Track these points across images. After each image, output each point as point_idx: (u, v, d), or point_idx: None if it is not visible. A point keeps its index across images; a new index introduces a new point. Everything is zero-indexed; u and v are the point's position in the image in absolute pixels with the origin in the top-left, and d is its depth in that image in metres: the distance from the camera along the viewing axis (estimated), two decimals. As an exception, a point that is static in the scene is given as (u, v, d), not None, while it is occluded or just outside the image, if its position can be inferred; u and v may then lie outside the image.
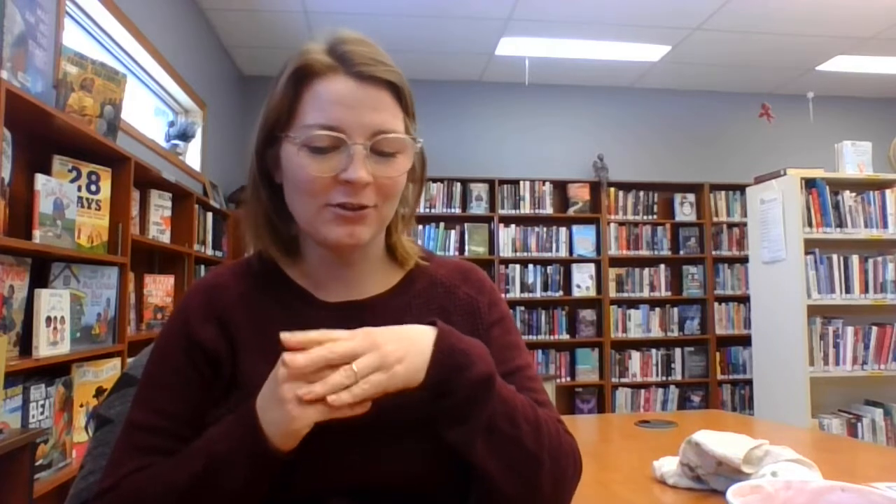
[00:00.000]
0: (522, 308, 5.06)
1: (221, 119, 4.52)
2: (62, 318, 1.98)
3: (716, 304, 5.27)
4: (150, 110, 3.70)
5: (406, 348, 0.70)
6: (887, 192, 3.51)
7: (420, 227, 4.93)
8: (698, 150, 5.54)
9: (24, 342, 1.89)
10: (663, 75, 5.23)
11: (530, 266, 5.08)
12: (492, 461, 0.72)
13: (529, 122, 5.37)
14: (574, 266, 5.15)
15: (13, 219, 1.87)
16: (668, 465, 1.19)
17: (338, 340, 0.68)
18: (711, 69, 5.12)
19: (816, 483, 0.69)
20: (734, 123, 5.57)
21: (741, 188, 4.80)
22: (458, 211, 5.08)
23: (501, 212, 5.08)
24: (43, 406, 1.89)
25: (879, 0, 3.95)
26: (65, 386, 2.02)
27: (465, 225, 5.08)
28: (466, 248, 5.03)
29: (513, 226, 5.10)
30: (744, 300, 5.09)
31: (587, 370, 5.11)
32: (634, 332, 5.18)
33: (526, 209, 5.12)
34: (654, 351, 5.20)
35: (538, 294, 5.05)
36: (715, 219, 5.34)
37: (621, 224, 5.24)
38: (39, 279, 2.01)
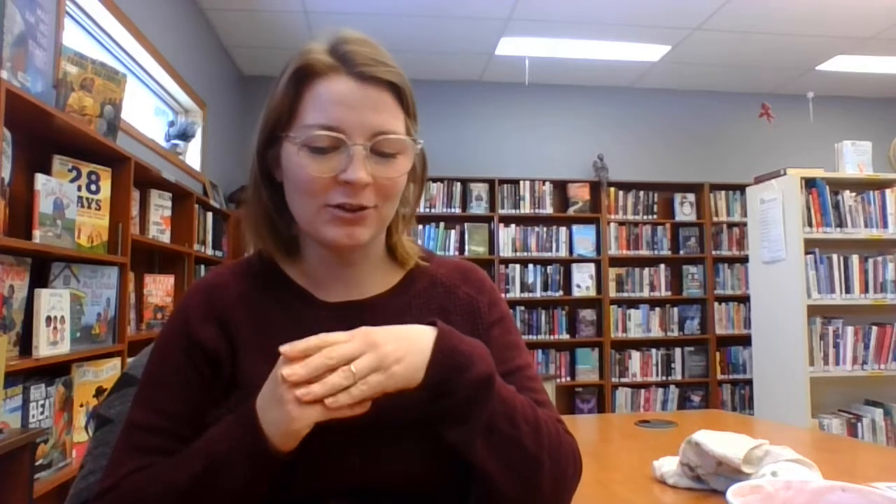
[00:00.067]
0: (522, 308, 5.05)
1: (221, 119, 4.52)
2: (62, 317, 1.98)
3: (716, 304, 5.27)
4: (150, 110, 3.70)
5: (405, 348, 0.70)
6: (887, 191, 3.51)
7: (420, 227, 4.93)
8: (698, 150, 5.54)
9: (24, 342, 1.89)
10: (663, 75, 5.23)
11: (530, 266, 5.08)
12: (492, 461, 0.72)
13: (529, 122, 5.37)
14: (574, 266, 5.15)
15: (13, 219, 1.87)
16: (668, 465, 1.19)
17: (336, 344, 0.67)
18: (711, 69, 5.12)
19: (816, 483, 0.69)
20: (734, 123, 5.56)
21: (741, 188, 4.80)
22: (458, 211, 5.07)
23: (501, 212, 5.07)
24: (43, 406, 1.89)
25: (879, 0, 3.95)
26: (65, 386, 2.02)
27: (465, 225, 5.08)
28: (466, 247, 5.03)
29: (513, 226, 5.09)
30: (744, 300, 5.09)
31: (587, 370, 5.11)
32: (634, 332, 5.18)
33: (526, 209, 5.11)
34: (654, 351, 5.20)
35: (538, 294, 5.05)
36: (715, 219, 5.34)
37: (621, 224, 5.24)
38: (39, 279, 2.01)
